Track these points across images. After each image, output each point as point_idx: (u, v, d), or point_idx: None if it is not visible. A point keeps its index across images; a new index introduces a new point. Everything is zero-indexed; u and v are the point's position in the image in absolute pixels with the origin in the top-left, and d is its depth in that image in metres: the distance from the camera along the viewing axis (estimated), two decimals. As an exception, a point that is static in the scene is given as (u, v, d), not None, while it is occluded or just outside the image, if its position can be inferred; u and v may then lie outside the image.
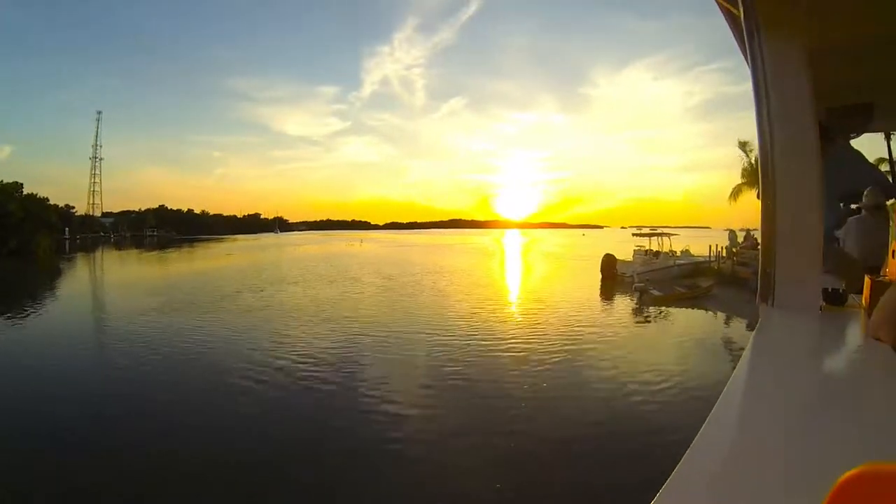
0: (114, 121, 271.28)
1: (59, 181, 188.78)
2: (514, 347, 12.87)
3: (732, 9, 2.44)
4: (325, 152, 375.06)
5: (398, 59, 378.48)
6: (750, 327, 14.22)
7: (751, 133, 2.46)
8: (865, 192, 4.32)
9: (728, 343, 14.31)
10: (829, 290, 2.33)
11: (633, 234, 36.54)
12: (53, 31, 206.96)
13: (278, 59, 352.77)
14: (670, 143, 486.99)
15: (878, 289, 2.26)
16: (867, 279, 2.34)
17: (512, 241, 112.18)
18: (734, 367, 1.46)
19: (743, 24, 2.35)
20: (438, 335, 13.97)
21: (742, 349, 1.70)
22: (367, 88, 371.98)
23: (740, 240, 31.81)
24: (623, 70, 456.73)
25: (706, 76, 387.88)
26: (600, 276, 27.91)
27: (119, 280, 33.60)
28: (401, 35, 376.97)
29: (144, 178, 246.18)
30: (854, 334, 2.05)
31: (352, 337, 14.09)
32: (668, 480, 0.76)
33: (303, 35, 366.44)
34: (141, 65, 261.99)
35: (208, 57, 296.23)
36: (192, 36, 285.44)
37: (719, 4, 2.48)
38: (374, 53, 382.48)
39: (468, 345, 12.93)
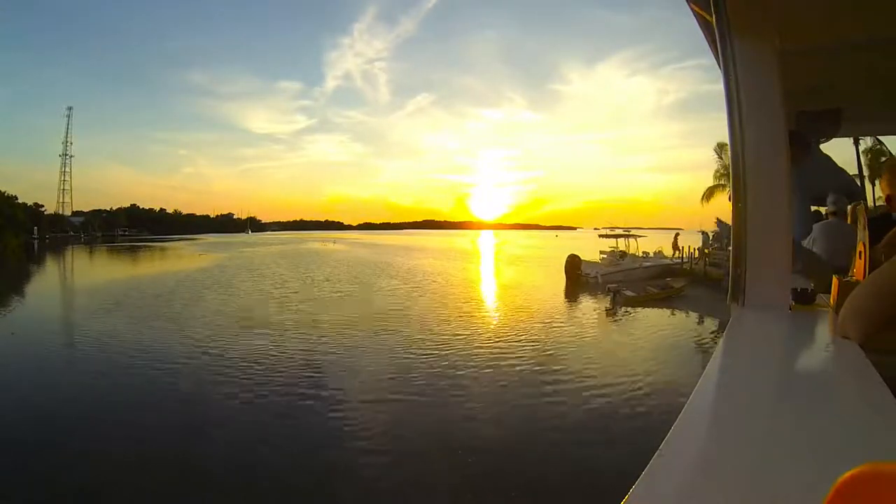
0: (75, 117, 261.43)
1: (23, 178, 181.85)
2: (484, 347, 12.91)
3: (705, 14, 2.48)
4: (292, 150, 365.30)
5: (360, 53, 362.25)
6: (722, 326, 14.56)
7: (724, 135, 2.51)
8: (831, 197, 4.43)
9: (701, 342, 14.53)
10: (799, 289, 2.38)
11: (600, 236, 36.91)
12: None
13: (234, 51, 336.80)
14: (644, 142, 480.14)
15: (845, 288, 2.32)
16: (834, 279, 2.39)
17: (485, 242, 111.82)
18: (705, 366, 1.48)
19: (715, 29, 2.39)
20: (405, 342, 13.68)
21: (714, 347, 1.74)
22: (331, 84, 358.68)
23: (712, 240, 32.32)
24: (595, 66, 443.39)
25: (680, 74, 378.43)
26: (566, 277, 28.00)
27: (96, 285, 32.76)
28: (360, 25, 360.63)
29: (110, 176, 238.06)
30: (823, 332, 2.10)
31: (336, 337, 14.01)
32: (635, 484, 0.75)
33: (256, 23, 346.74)
34: (90, 55, 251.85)
35: (160, 49, 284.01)
36: (139, 26, 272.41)
37: (692, 9, 2.52)
38: (334, 45, 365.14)
39: (435, 352, 12.83)
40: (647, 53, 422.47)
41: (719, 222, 31.50)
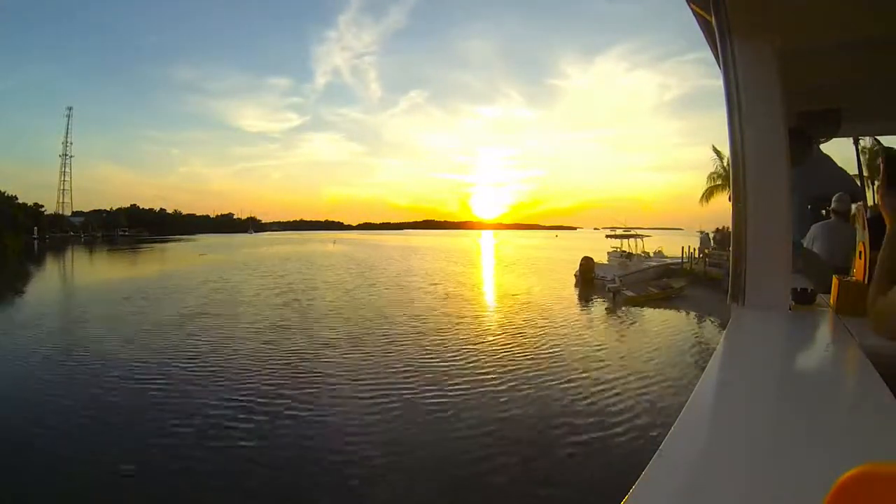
0: (58, 114, 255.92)
1: (23, 178, 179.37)
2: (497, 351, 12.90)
3: (704, 13, 2.48)
4: (287, 150, 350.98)
5: (347, 47, 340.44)
6: (722, 326, 14.43)
7: (726, 134, 2.51)
8: (834, 197, 4.43)
9: (701, 341, 14.54)
10: (798, 289, 2.38)
11: (607, 236, 36.88)
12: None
13: (218, 45, 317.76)
14: (645, 140, 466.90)
15: (845, 288, 2.32)
16: (835, 279, 2.39)
17: (487, 243, 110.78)
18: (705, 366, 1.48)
19: (714, 28, 2.38)
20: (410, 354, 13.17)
21: (714, 347, 1.73)
22: (320, 80, 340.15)
23: (713, 242, 32.35)
24: (594, 59, 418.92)
25: (683, 68, 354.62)
26: (581, 280, 27.68)
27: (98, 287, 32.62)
28: (346, 17, 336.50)
29: (106, 175, 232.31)
30: (823, 332, 2.10)
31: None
32: (635, 484, 0.75)
33: (236, 14, 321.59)
34: (74, 51, 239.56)
35: (141, 44, 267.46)
36: (119, 21, 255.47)
37: (691, 8, 2.51)
38: (320, 39, 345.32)
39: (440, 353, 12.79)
40: (648, 46, 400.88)
41: (717, 231, 31.59)
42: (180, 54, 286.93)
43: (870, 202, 5.20)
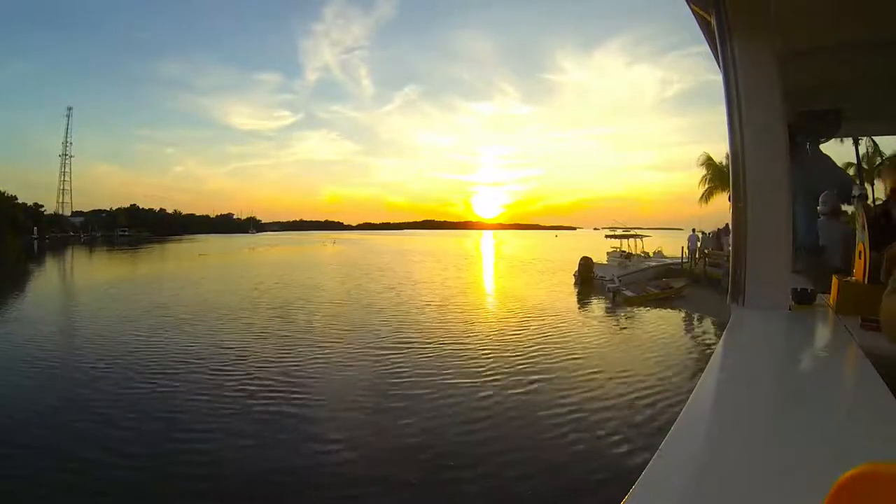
0: (54, 113, 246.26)
1: (23, 179, 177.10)
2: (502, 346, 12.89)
3: (704, 14, 2.48)
4: (281, 148, 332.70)
5: (336, 41, 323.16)
6: (722, 326, 14.36)
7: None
8: (822, 197, 4.42)
9: (701, 341, 14.52)
10: (798, 289, 2.38)
11: (607, 236, 36.74)
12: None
13: (202, 39, 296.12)
14: (644, 138, 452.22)
15: (846, 288, 2.32)
16: (834, 279, 2.39)
17: (485, 243, 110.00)
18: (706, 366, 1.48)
19: (715, 29, 2.38)
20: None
21: (713, 346, 1.73)
22: (311, 76, 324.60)
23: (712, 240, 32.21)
24: (592, 52, 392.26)
25: (684, 62, 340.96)
26: (580, 280, 27.57)
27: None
28: (332, 9, 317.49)
29: (103, 175, 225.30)
30: (823, 332, 2.10)
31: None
32: (635, 484, 0.75)
33: (219, 7, 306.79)
34: (68, 48, 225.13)
35: (129, 40, 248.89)
36: (108, 16, 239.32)
37: (692, 9, 2.51)
38: (307, 32, 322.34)
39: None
40: (648, 38, 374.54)
41: (714, 232, 31.49)
42: (167, 50, 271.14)
43: (870, 202, 5.19)
